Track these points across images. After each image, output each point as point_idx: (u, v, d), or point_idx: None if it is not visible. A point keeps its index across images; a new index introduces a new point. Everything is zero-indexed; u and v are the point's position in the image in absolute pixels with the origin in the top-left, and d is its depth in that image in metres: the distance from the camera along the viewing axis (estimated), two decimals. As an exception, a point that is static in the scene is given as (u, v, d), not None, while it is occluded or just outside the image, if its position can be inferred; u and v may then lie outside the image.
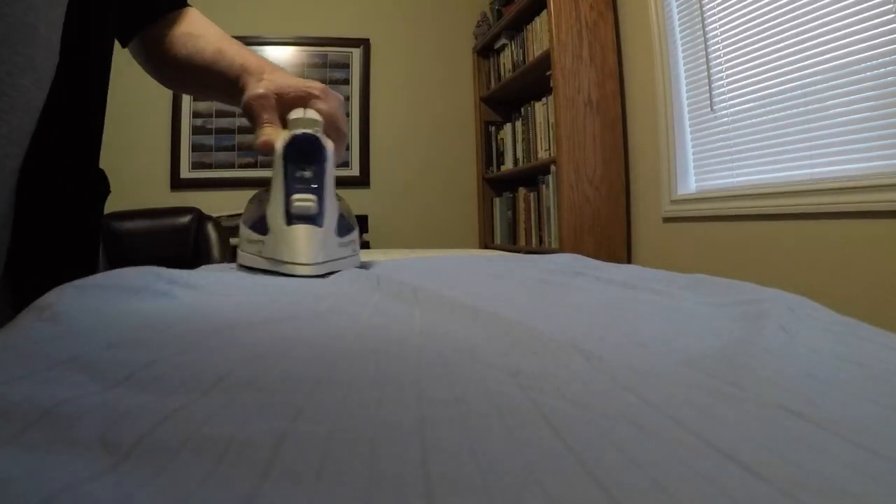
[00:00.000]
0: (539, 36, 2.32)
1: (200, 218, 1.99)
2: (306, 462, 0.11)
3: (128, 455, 0.11)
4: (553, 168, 2.19)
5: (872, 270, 1.26)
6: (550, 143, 2.25)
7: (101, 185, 0.53)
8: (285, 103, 0.49)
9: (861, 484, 0.10)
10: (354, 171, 3.41)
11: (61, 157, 0.45)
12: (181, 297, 0.30)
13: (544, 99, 2.32)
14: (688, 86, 1.87)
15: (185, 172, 3.08)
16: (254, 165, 3.27)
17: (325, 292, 0.34)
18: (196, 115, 3.09)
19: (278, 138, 0.46)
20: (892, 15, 1.19)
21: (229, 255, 1.92)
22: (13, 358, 0.16)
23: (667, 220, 1.93)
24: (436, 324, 0.24)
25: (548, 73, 2.19)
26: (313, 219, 0.44)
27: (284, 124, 0.49)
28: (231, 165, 3.24)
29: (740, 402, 0.14)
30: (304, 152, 0.45)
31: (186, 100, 3.08)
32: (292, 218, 0.44)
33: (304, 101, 0.49)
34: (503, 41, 2.68)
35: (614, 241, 2.10)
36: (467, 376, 0.16)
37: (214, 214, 2.14)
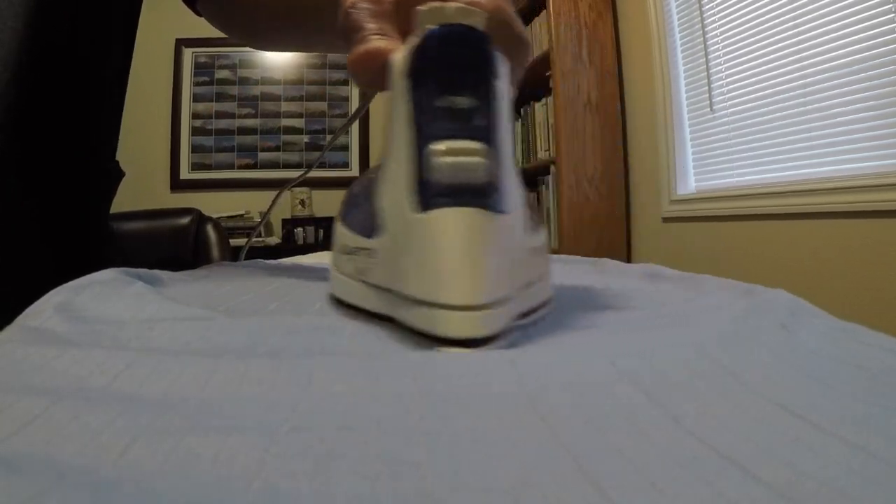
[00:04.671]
0: (538, 36, 2.32)
1: (200, 219, 1.99)
2: (303, 461, 0.11)
3: (124, 453, 0.11)
4: (552, 168, 2.19)
5: (872, 270, 1.26)
6: (550, 143, 2.25)
7: (101, 180, 0.48)
8: (413, 7, 0.24)
9: (860, 486, 0.10)
10: (354, 171, 3.41)
11: (54, 151, 0.41)
12: (177, 292, 0.30)
13: (543, 99, 2.32)
14: (687, 86, 1.87)
15: (185, 173, 3.08)
16: (254, 166, 3.26)
17: (321, 289, 0.34)
18: (195, 116, 3.09)
19: (397, 51, 0.23)
20: (892, 15, 1.19)
21: (229, 256, 1.93)
22: (10, 356, 0.16)
23: (666, 220, 1.93)
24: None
25: (547, 74, 2.19)
26: (482, 192, 0.20)
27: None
28: (231, 166, 3.23)
29: (739, 402, 0.14)
30: (453, 63, 0.21)
31: (186, 101, 3.08)
32: (432, 193, 0.20)
33: None
34: (503, 41, 2.67)
35: (614, 242, 2.10)
36: (465, 375, 0.16)
37: (214, 215, 2.14)
